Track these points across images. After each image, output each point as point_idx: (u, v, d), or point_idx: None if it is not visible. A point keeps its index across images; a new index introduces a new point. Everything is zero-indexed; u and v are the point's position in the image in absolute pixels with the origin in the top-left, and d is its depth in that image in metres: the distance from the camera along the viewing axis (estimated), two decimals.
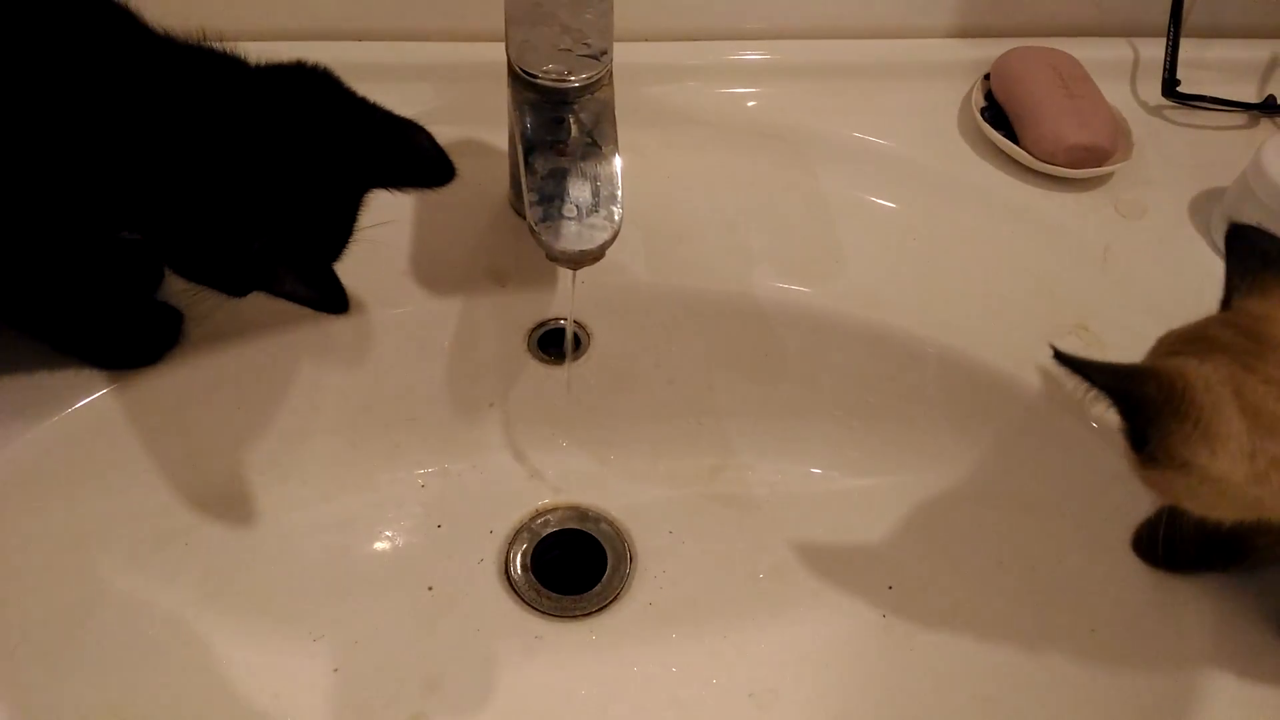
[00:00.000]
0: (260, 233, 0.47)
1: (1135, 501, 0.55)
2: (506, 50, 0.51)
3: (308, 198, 0.48)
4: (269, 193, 0.47)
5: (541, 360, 0.64)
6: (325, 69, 0.50)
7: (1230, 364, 0.43)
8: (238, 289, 0.50)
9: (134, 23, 0.49)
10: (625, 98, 0.53)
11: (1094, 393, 0.43)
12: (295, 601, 0.59)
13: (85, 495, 0.55)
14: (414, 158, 0.51)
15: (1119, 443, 0.46)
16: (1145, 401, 0.42)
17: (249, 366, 0.58)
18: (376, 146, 0.50)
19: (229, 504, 0.60)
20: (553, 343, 0.64)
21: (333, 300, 0.49)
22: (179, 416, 0.57)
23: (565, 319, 0.62)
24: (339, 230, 0.51)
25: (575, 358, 0.63)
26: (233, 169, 0.46)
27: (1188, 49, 0.72)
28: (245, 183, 0.47)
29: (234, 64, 0.50)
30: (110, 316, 0.55)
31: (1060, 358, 0.44)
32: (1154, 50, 0.73)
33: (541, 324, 0.63)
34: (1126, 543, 0.55)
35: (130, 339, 0.56)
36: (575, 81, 0.48)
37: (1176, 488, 0.44)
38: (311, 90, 0.50)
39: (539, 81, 0.48)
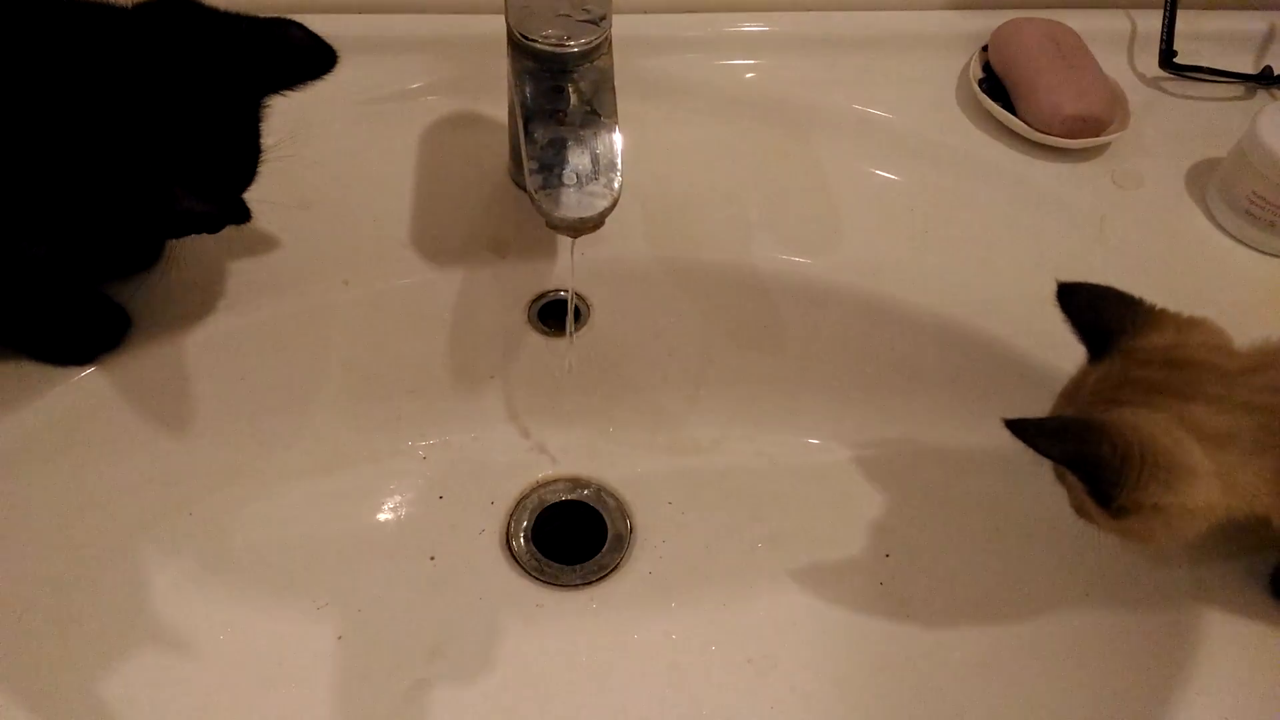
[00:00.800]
0: (149, 159, 0.47)
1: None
2: (506, 18, 0.51)
3: (192, 118, 0.48)
4: (151, 118, 0.47)
5: (542, 332, 0.64)
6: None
7: (1172, 399, 0.44)
8: (140, 224, 0.50)
9: None
10: (625, 69, 0.53)
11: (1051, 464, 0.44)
12: (299, 571, 0.60)
13: (89, 465, 0.56)
14: (291, 53, 0.51)
15: (1085, 507, 0.47)
16: (1104, 463, 0.43)
17: (251, 338, 0.59)
18: (250, 53, 0.50)
19: (232, 474, 0.60)
20: (553, 314, 0.64)
21: (233, 211, 0.50)
22: (181, 388, 0.58)
23: (566, 290, 0.63)
24: (239, 148, 0.51)
25: (576, 329, 0.64)
26: (110, 105, 0.46)
27: (1185, 20, 0.72)
28: (127, 113, 0.46)
29: (100, 9, 0.49)
30: (48, 311, 0.54)
31: (1012, 426, 0.45)
32: (1151, 21, 0.73)
33: (542, 295, 0.63)
34: None
35: (68, 336, 0.55)
36: (574, 47, 0.48)
37: (1152, 528, 0.45)
38: (176, 16, 0.49)
39: (538, 47, 0.48)
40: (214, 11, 0.50)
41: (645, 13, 0.70)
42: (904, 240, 0.64)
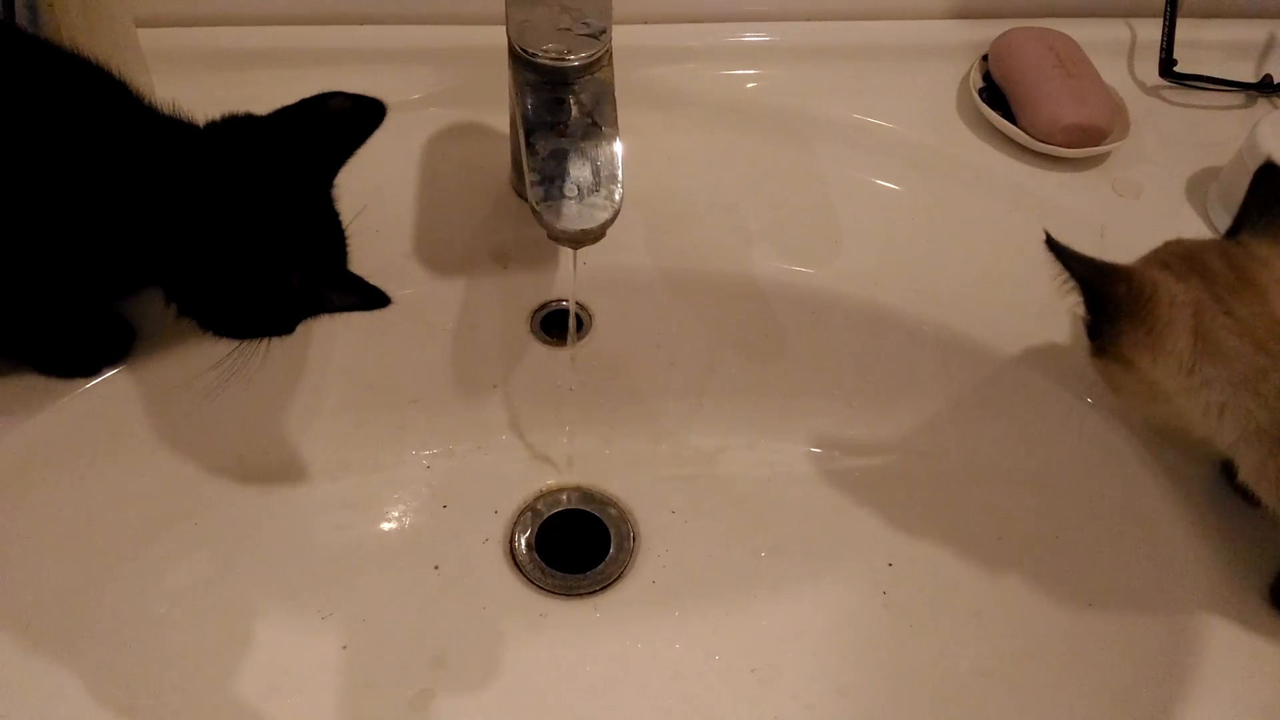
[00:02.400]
0: (290, 265, 0.49)
1: (1131, 476, 0.56)
2: (507, 31, 0.52)
3: (300, 216, 0.51)
4: (276, 227, 0.49)
5: (544, 342, 0.64)
6: (244, 113, 0.52)
7: (1204, 289, 0.45)
8: (289, 324, 0.52)
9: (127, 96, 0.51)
10: (625, 80, 0.53)
11: (1069, 282, 0.46)
12: (304, 580, 0.60)
13: (95, 473, 0.56)
14: (343, 121, 0.53)
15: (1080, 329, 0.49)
16: (1111, 300, 0.46)
17: (252, 347, 0.59)
18: (314, 138, 0.52)
19: (237, 483, 0.61)
20: (555, 324, 0.64)
21: (375, 297, 0.51)
22: (187, 396, 0.58)
23: (567, 300, 0.63)
24: (335, 233, 0.53)
25: (577, 339, 0.64)
26: (239, 219, 0.49)
27: (1184, 29, 0.73)
28: (256, 227, 0.49)
29: (185, 126, 0.52)
30: (53, 324, 0.55)
31: (1050, 244, 0.47)
32: (1151, 30, 0.73)
33: (544, 305, 0.64)
34: (1121, 517, 0.56)
35: (72, 348, 0.55)
36: (575, 61, 0.49)
37: (1120, 380, 0.48)
38: (244, 129, 0.52)
39: (539, 61, 0.49)
40: (268, 118, 0.52)
41: (646, 23, 0.70)
42: (904, 250, 0.64)
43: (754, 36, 0.72)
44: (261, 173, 0.50)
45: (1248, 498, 0.49)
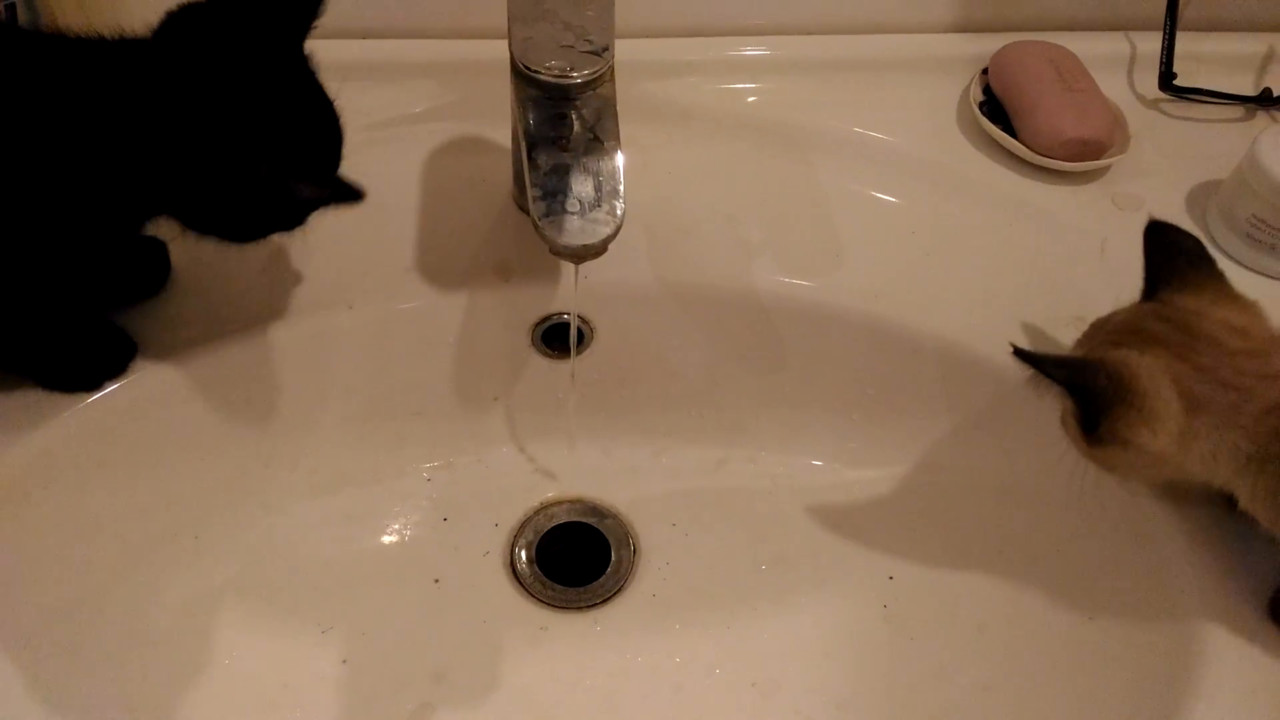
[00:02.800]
0: (253, 157, 0.47)
1: (1132, 490, 0.56)
2: (509, 47, 0.52)
3: (260, 104, 0.48)
4: (230, 119, 0.47)
5: (545, 354, 0.64)
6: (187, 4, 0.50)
7: (1167, 355, 0.48)
8: (270, 222, 0.50)
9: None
10: (626, 93, 0.53)
11: (1049, 385, 0.48)
12: (304, 593, 0.60)
13: (96, 488, 0.56)
14: None
15: (1068, 426, 0.51)
16: (1097, 392, 0.48)
17: (257, 360, 0.59)
18: (265, 13, 0.49)
19: (237, 498, 0.61)
20: (556, 337, 0.64)
21: (346, 191, 0.49)
22: (187, 410, 0.58)
23: (569, 314, 0.63)
24: (314, 116, 0.51)
25: (579, 352, 0.64)
26: (191, 119, 0.46)
27: (1184, 42, 0.73)
28: (208, 123, 0.47)
29: (140, 41, 0.49)
30: (54, 338, 0.54)
31: (1020, 354, 0.49)
32: (1150, 44, 0.73)
33: (545, 318, 0.64)
34: (1123, 534, 0.56)
35: (74, 362, 0.55)
36: (577, 78, 0.49)
37: (1118, 461, 0.50)
38: (187, 24, 0.49)
39: (541, 78, 0.49)
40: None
41: (647, 37, 0.70)
42: (905, 263, 0.64)
43: (754, 50, 0.73)
44: (210, 64, 0.48)
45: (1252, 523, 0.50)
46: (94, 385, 0.55)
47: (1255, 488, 0.48)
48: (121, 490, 0.57)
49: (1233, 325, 0.49)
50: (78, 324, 0.55)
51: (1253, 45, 0.76)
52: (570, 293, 0.62)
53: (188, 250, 0.60)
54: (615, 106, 0.52)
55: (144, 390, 0.56)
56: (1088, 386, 0.48)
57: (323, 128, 0.51)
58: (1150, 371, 0.47)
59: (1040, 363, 0.48)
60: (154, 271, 0.59)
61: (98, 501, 0.56)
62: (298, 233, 0.53)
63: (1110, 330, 0.51)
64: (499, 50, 0.58)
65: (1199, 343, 0.48)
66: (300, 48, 0.51)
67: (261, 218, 0.51)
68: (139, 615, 0.56)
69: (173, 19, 0.49)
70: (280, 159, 0.48)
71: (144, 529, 0.58)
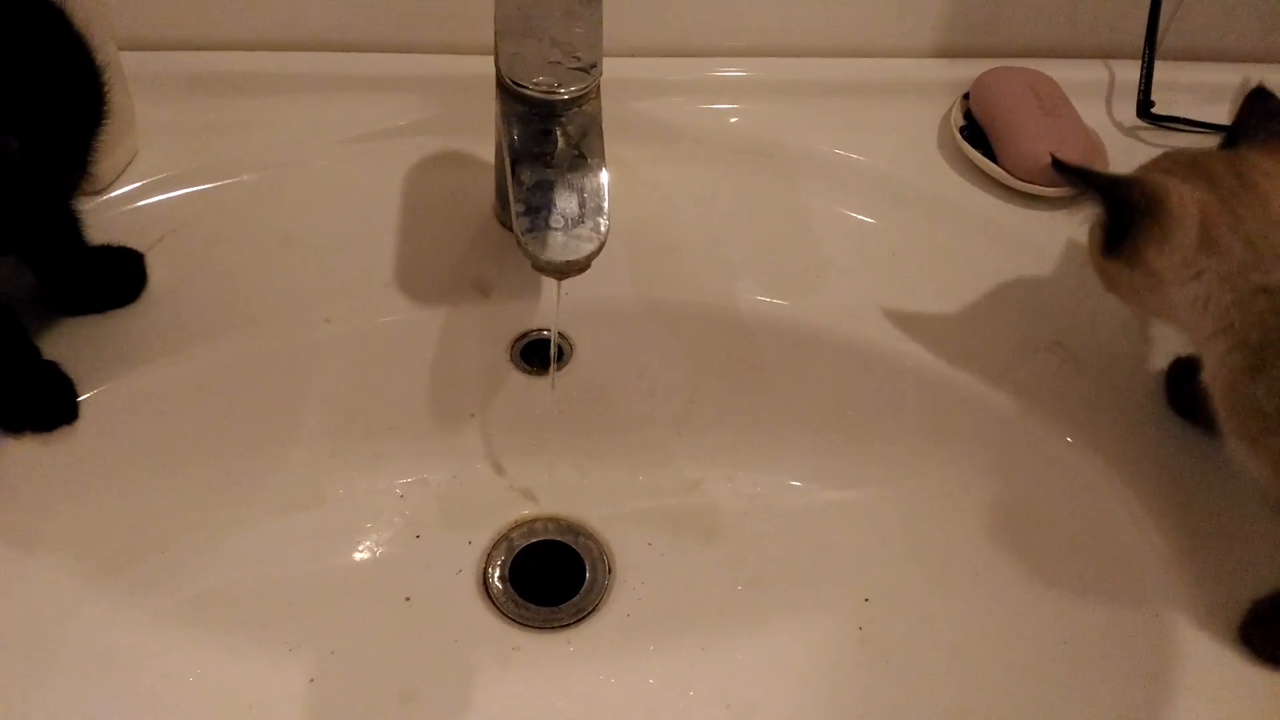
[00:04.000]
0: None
1: (1110, 514, 0.56)
2: (496, 62, 0.52)
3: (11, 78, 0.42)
4: None
5: (524, 371, 0.64)
6: None
7: (1209, 192, 0.49)
8: (20, 209, 0.45)
9: None
10: (610, 111, 0.53)
11: (1088, 195, 0.51)
12: (272, 611, 0.59)
13: (58, 505, 0.55)
14: None
15: (1093, 237, 0.53)
16: (1128, 203, 0.49)
17: (230, 374, 0.58)
18: None
19: (206, 512, 0.60)
20: (535, 353, 0.64)
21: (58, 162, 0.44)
22: (157, 424, 0.57)
23: (549, 330, 0.63)
24: (72, 90, 0.45)
25: (558, 368, 0.63)
26: None
27: (1162, 71, 0.74)
28: None
29: None
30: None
31: (1061, 166, 0.52)
32: (1129, 72, 0.74)
33: (524, 335, 0.63)
34: (1101, 557, 0.56)
35: (18, 399, 0.53)
36: (564, 94, 0.49)
37: (1123, 280, 0.52)
38: None
39: (528, 93, 0.49)
40: None
41: (631, 56, 0.70)
42: (885, 285, 0.64)
43: (737, 71, 0.73)
44: None
45: (1191, 413, 0.53)
46: (48, 427, 0.53)
47: (1221, 363, 0.48)
48: (86, 505, 0.55)
49: None
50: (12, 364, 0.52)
51: (1229, 75, 0.77)
52: (551, 309, 0.62)
53: (164, 260, 0.60)
54: (601, 124, 0.52)
55: (112, 403, 0.55)
56: (1122, 198, 0.49)
57: (76, 103, 0.45)
58: (1183, 197, 0.48)
59: (1082, 172, 0.50)
60: (128, 281, 0.58)
61: (61, 517, 0.55)
62: None
63: (1174, 161, 0.52)
64: (481, 65, 0.58)
65: (1247, 194, 0.48)
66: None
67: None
68: (104, 633, 0.55)
69: None
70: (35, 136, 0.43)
71: (110, 545, 0.56)
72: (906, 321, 0.62)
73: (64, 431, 0.54)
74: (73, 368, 0.55)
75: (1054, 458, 0.58)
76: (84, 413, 0.54)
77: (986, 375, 0.60)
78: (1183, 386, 0.57)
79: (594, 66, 0.49)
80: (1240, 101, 0.55)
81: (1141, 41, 0.73)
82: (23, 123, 0.43)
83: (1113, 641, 0.54)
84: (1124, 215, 0.49)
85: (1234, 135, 0.54)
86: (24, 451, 0.53)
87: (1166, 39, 0.75)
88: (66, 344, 0.56)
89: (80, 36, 0.46)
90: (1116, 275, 0.52)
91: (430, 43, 0.69)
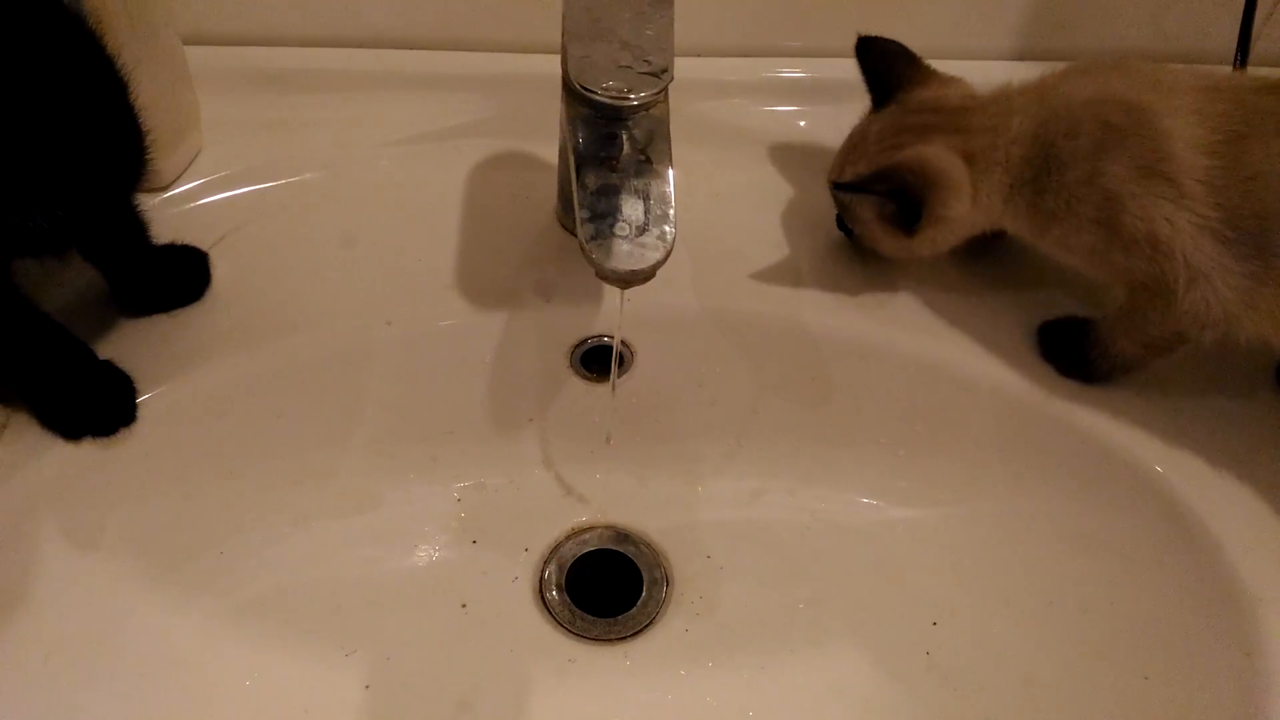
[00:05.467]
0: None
1: (1191, 545, 0.54)
2: (564, 66, 0.51)
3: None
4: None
5: (583, 377, 0.63)
6: None
7: (938, 135, 0.57)
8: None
9: None
10: (673, 113, 0.52)
11: (872, 199, 0.58)
12: (328, 615, 0.58)
13: (118, 505, 0.55)
14: None
15: (879, 237, 0.60)
16: (911, 186, 0.56)
17: (290, 376, 0.58)
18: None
19: (264, 514, 0.59)
20: (595, 360, 0.63)
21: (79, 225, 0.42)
22: (216, 424, 0.57)
23: (611, 337, 0.61)
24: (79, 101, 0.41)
25: (618, 375, 0.62)
26: None
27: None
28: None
29: None
30: (49, 378, 0.51)
31: (841, 186, 0.59)
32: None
33: (584, 341, 0.62)
34: (1182, 588, 0.54)
35: (77, 405, 0.52)
36: (635, 100, 0.47)
37: (930, 241, 0.59)
38: None
39: (597, 98, 0.47)
40: None
41: (696, 56, 0.69)
42: (957, 298, 0.62)
43: (802, 73, 0.71)
44: None
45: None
46: (108, 431, 0.53)
47: (1016, 212, 0.57)
48: (145, 505, 0.55)
49: (961, 94, 0.60)
50: (72, 368, 0.52)
51: None
52: (611, 315, 0.60)
53: (226, 259, 0.60)
54: (668, 128, 0.51)
55: (173, 402, 0.55)
56: (905, 185, 0.56)
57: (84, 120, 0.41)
58: (938, 153, 0.57)
59: (867, 184, 0.58)
60: (192, 280, 0.58)
61: (120, 517, 0.55)
62: None
63: (876, 141, 0.59)
64: (544, 64, 0.57)
65: (949, 115, 0.58)
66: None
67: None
68: (160, 635, 0.55)
69: None
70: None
71: (167, 545, 0.56)
72: (981, 337, 0.60)
73: (123, 432, 0.54)
74: (133, 367, 0.55)
75: (1133, 485, 0.56)
76: (144, 412, 0.54)
77: (1071, 395, 0.58)
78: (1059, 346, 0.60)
79: (665, 71, 0.48)
80: (859, 62, 0.62)
81: (1226, 47, 0.70)
82: (57, 200, 0.41)
83: (1196, 681, 0.52)
84: (912, 196, 0.56)
85: (878, 92, 0.61)
86: (84, 450, 0.53)
87: (1258, 44, 0.72)
88: (127, 343, 0.56)
89: (127, 99, 0.44)
90: (925, 243, 0.59)
91: (493, 41, 0.68)
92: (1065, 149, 0.54)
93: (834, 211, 0.64)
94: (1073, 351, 0.59)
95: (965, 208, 0.57)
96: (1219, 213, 0.51)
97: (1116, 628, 0.56)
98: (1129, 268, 0.54)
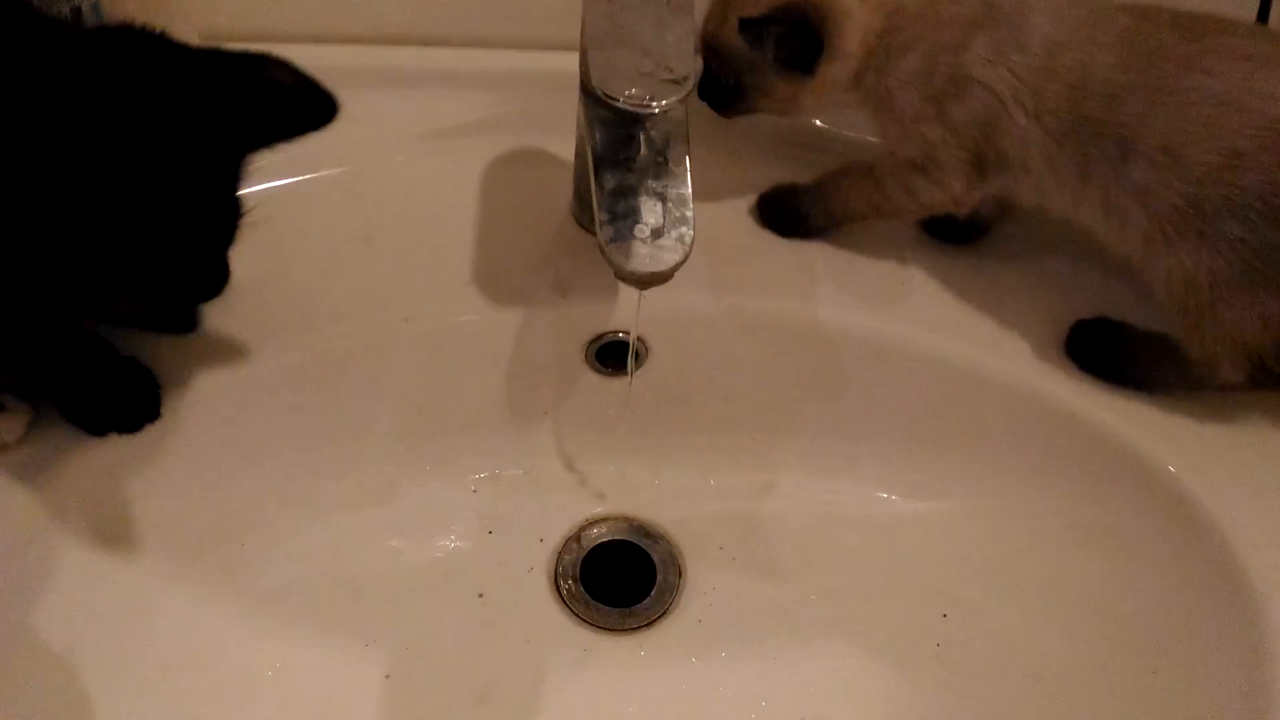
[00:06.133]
0: (84, 246, 0.39)
1: (1200, 542, 0.55)
2: (582, 68, 0.51)
3: (147, 187, 0.40)
4: (96, 187, 0.38)
5: (598, 372, 0.64)
6: (159, 30, 0.42)
7: None
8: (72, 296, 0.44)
9: None
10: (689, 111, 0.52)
11: (771, 40, 0.58)
12: (349, 605, 0.59)
13: (142, 499, 0.56)
14: (277, 98, 0.43)
15: (769, 91, 0.61)
16: (811, 17, 0.57)
17: (309, 371, 0.59)
18: (227, 100, 0.41)
19: (285, 506, 0.60)
20: (610, 354, 0.64)
21: (178, 319, 0.44)
22: (237, 419, 0.57)
23: (628, 333, 0.62)
24: (202, 226, 0.43)
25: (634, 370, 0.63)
26: (46, 165, 0.38)
27: None
28: (67, 176, 0.38)
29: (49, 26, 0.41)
30: (74, 377, 0.51)
31: (747, 21, 0.58)
32: None
33: (600, 336, 0.63)
34: (1191, 584, 0.55)
35: (102, 403, 0.52)
36: (656, 108, 0.48)
37: (818, 88, 0.60)
38: (136, 51, 0.41)
39: (621, 106, 0.48)
40: (182, 47, 0.42)
41: None
42: (975, 298, 0.63)
43: None
44: (116, 106, 0.39)
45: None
46: (134, 427, 0.53)
47: (875, 87, 0.59)
48: (170, 498, 0.56)
49: None
50: (86, 367, 0.52)
51: None
52: (627, 312, 0.61)
53: (245, 254, 0.60)
54: (686, 129, 0.51)
55: (193, 395, 0.56)
56: (807, 16, 0.57)
57: (199, 242, 0.44)
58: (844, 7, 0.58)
59: (775, 15, 0.57)
60: (213, 275, 0.59)
61: (144, 510, 0.56)
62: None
63: None
64: (557, 61, 0.58)
65: None
66: (238, 150, 0.43)
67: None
68: (185, 626, 0.56)
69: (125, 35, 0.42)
70: (115, 263, 0.41)
71: (189, 538, 0.57)
72: (995, 336, 0.61)
73: (150, 427, 0.55)
74: (155, 363, 0.55)
75: (1145, 482, 0.57)
76: (167, 408, 0.55)
77: (1078, 395, 0.59)
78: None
79: (687, 78, 0.48)
80: None
81: None
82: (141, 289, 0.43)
83: (1205, 675, 0.53)
84: (812, 35, 0.57)
85: None
86: (109, 447, 0.54)
87: None
88: (149, 339, 0.56)
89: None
90: (809, 92, 0.60)
91: (507, 38, 0.68)
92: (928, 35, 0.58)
93: None
94: (1106, 353, 0.60)
95: (857, 45, 0.58)
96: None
97: (1126, 623, 0.57)
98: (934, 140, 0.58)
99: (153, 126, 0.40)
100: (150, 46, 0.42)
